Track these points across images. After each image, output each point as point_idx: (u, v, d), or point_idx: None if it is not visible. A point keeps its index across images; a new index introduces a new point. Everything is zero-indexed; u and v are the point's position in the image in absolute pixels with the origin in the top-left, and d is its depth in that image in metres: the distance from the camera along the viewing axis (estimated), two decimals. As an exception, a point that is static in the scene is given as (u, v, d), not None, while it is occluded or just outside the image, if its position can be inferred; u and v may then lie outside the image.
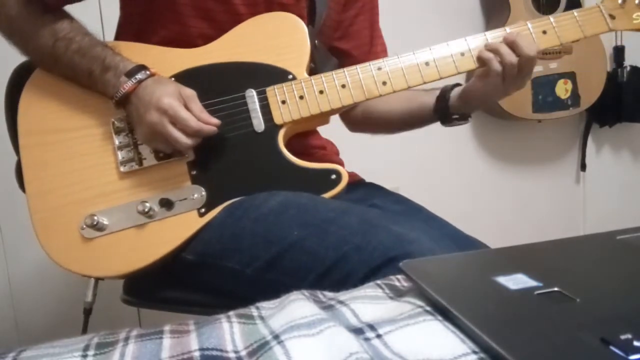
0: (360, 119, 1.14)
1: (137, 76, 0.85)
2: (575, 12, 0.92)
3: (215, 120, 0.85)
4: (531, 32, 0.90)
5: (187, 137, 0.83)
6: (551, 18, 0.91)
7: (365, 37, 1.10)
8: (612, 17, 0.92)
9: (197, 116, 0.84)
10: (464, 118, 1.00)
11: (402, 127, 1.11)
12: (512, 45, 0.87)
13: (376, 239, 0.75)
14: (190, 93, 0.85)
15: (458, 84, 1.00)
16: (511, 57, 0.87)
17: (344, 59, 1.09)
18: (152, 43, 0.92)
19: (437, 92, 1.01)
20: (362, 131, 1.19)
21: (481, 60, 0.89)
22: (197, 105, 0.85)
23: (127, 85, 0.84)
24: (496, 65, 0.87)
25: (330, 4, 1.02)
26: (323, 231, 0.78)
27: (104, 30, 1.38)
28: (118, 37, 1.00)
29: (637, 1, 0.92)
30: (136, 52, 0.90)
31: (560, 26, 0.91)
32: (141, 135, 0.86)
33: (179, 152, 0.86)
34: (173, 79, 0.89)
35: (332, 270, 0.76)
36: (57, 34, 0.87)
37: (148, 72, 0.86)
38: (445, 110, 0.99)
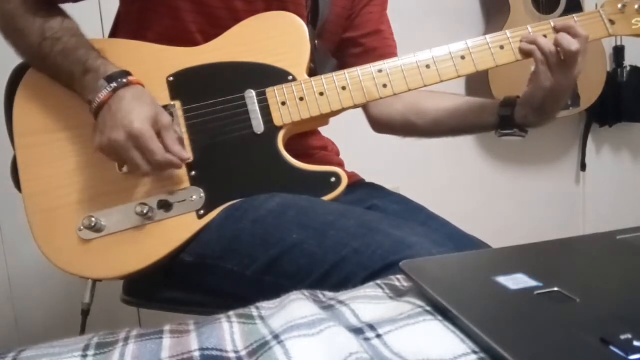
0: (399, 117, 1.09)
1: (112, 84, 0.81)
2: (575, 17, 0.92)
3: (186, 155, 0.83)
4: None
5: (148, 165, 0.80)
6: (552, 23, 0.91)
7: (371, 27, 1.08)
8: (612, 22, 0.92)
9: (168, 147, 0.81)
10: (523, 130, 0.97)
11: (450, 129, 1.06)
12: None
13: (375, 243, 0.75)
14: (167, 122, 0.82)
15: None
16: (549, 45, 0.86)
17: (350, 49, 1.07)
18: (149, 39, 0.91)
19: (502, 98, 0.99)
20: (394, 133, 1.13)
21: (524, 53, 0.89)
22: (170, 136, 0.82)
23: (102, 94, 0.81)
24: (538, 55, 0.87)
25: (336, 1, 1.02)
26: (322, 234, 0.78)
27: (103, 29, 1.38)
28: (115, 33, 1.00)
29: (636, 6, 0.93)
30: (134, 49, 0.90)
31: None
32: (98, 145, 0.81)
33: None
34: (172, 78, 0.89)
35: (330, 273, 0.76)
36: (45, 33, 0.87)
37: (125, 80, 0.82)
38: (510, 116, 0.96)
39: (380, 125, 1.13)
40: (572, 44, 0.86)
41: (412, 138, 1.12)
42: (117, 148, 0.80)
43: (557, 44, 0.87)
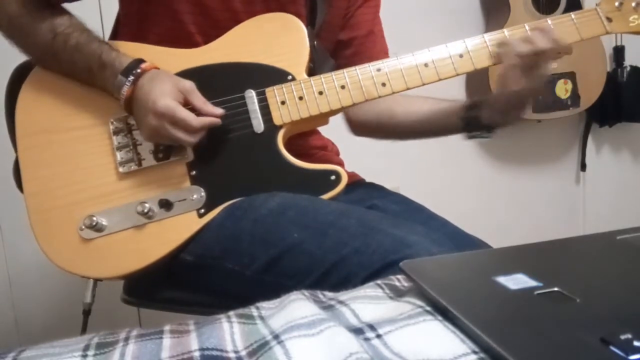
0: (373, 121, 1.10)
1: (130, 78, 0.84)
2: (572, 15, 0.92)
3: (219, 111, 0.85)
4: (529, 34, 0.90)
5: (190, 135, 0.82)
6: (549, 20, 0.91)
7: (364, 29, 1.09)
8: (609, 19, 0.92)
9: (199, 108, 0.83)
10: (489, 130, 0.98)
11: (420, 132, 1.08)
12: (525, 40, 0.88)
13: (375, 242, 0.75)
14: (189, 86, 0.84)
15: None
16: (520, 47, 0.87)
17: (343, 51, 1.08)
18: (149, 41, 0.92)
19: (467, 101, 1.00)
20: (371, 135, 1.16)
21: (497, 57, 0.89)
22: (197, 98, 0.84)
23: (124, 90, 0.84)
24: (508, 57, 0.88)
25: (334, 2, 1.02)
26: (322, 233, 0.78)
27: (103, 30, 1.38)
28: (116, 35, 1.00)
29: (633, 4, 0.92)
30: (133, 52, 0.90)
31: (558, 29, 0.91)
32: (144, 136, 0.86)
33: (179, 148, 0.86)
34: None
35: (331, 272, 0.76)
36: (55, 29, 0.87)
37: (139, 70, 0.84)
38: (475, 118, 0.97)
39: (357, 127, 1.15)
40: (544, 42, 0.86)
41: (388, 140, 1.14)
42: (157, 133, 0.82)
43: (529, 41, 0.87)
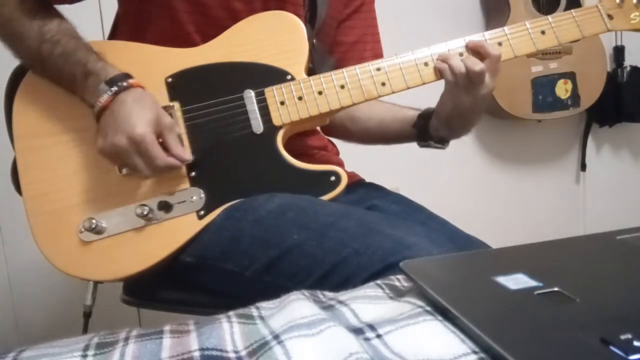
0: (339, 123, 1.10)
1: (113, 88, 0.81)
2: (573, 12, 0.92)
3: (188, 157, 0.84)
4: (529, 32, 0.90)
5: (148, 169, 0.81)
6: (550, 18, 0.91)
7: (354, 35, 1.09)
8: (610, 17, 0.92)
9: (170, 149, 0.82)
10: (441, 142, 0.98)
11: (378, 138, 1.09)
12: (474, 51, 0.88)
13: (375, 244, 0.75)
14: (168, 123, 0.82)
15: None
16: (459, 65, 0.86)
17: (337, 52, 1.08)
18: (147, 40, 0.91)
19: (422, 110, 1.00)
20: (335, 136, 1.15)
21: (438, 72, 0.89)
22: (172, 138, 0.82)
23: (103, 98, 0.81)
24: (447, 74, 0.87)
25: (331, 2, 1.02)
26: (322, 235, 0.78)
27: (103, 30, 1.38)
28: (114, 34, 1.00)
29: (635, 1, 0.92)
30: (132, 51, 0.90)
31: (559, 26, 0.91)
32: (101, 149, 0.82)
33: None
34: (170, 79, 0.89)
35: (331, 274, 0.76)
36: (43, 36, 0.86)
37: (126, 84, 0.82)
38: (424, 127, 0.98)
39: (324, 128, 1.13)
40: (475, 64, 0.86)
41: (351, 143, 1.13)
42: (119, 153, 0.80)
43: (463, 61, 0.87)
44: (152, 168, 0.81)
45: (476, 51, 0.88)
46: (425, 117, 0.98)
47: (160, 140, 0.82)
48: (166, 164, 0.81)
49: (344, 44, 1.08)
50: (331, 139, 1.13)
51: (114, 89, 0.82)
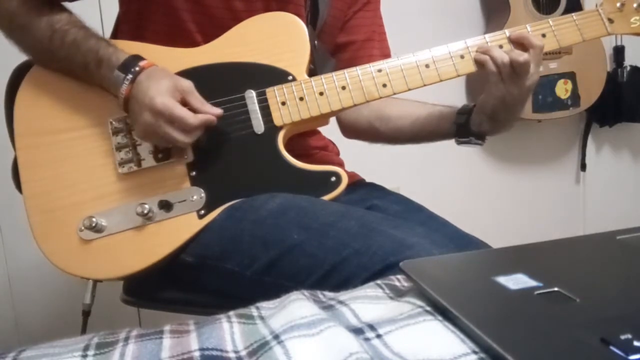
0: (364, 123, 1.10)
1: (129, 76, 0.83)
2: (574, 16, 0.92)
3: (218, 111, 0.84)
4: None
5: (185, 134, 0.81)
6: (550, 21, 0.91)
7: (363, 33, 1.08)
8: (611, 20, 0.92)
9: (197, 109, 0.82)
10: (480, 137, 0.97)
11: (411, 137, 1.07)
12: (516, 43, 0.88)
13: (376, 244, 0.75)
14: (187, 85, 0.83)
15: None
16: (502, 56, 0.86)
17: (340, 54, 1.08)
18: (148, 39, 0.91)
19: (458, 107, 1.00)
20: (360, 138, 1.15)
21: (479, 63, 0.89)
22: (195, 98, 0.83)
23: (123, 89, 0.83)
24: (490, 65, 0.87)
25: (334, 3, 1.02)
26: (322, 235, 0.78)
27: (103, 29, 1.38)
28: (116, 34, 1.00)
29: (635, 5, 0.92)
30: (134, 51, 0.90)
31: (560, 30, 0.91)
32: (138, 134, 0.85)
33: (179, 149, 0.86)
34: None
35: (331, 274, 0.76)
36: (53, 26, 0.87)
37: (138, 68, 0.83)
38: (465, 123, 0.97)
39: (347, 129, 1.14)
40: (519, 55, 0.86)
41: (378, 144, 1.12)
42: (151, 131, 0.81)
43: (506, 52, 0.87)
44: (188, 131, 0.81)
45: (519, 42, 0.88)
46: (465, 112, 0.97)
47: (186, 106, 0.82)
48: (199, 121, 0.81)
49: (356, 43, 1.08)
50: (332, 139, 1.13)
51: (130, 76, 0.83)
